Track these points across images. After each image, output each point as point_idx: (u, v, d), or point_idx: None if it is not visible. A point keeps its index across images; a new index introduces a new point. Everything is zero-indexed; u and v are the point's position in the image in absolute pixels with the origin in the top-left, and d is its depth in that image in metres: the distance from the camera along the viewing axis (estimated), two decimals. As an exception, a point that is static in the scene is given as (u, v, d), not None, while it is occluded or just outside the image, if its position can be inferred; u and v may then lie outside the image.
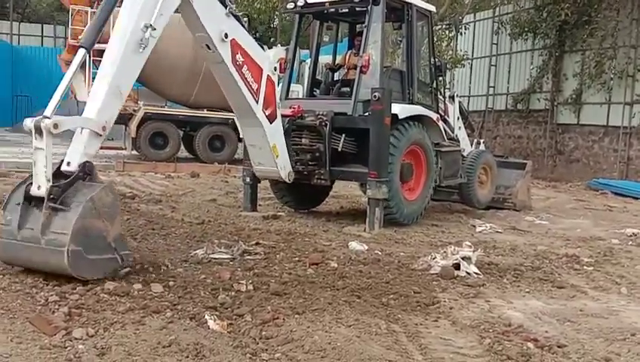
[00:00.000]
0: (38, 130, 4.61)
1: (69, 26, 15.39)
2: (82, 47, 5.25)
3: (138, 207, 8.67)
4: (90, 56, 14.87)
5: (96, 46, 5.51)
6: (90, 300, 4.18)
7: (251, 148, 7.91)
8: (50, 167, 4.63)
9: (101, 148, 20.11)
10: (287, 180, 8.04)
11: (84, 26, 14.71)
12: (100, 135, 4.99)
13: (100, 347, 3.43)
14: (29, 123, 4.63)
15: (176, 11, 5.82)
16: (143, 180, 12.72)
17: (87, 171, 4.77)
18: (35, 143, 4.66)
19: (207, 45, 6.39)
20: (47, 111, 4.73)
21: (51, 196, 4.49)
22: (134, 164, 14.68)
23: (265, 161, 7.86)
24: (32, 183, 4.63)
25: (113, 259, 4.69)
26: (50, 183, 4.55)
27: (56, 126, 4.63)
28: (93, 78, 14.66)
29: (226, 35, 6.41)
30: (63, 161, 4.85)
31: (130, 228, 6.90)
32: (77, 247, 4.42)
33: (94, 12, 14.88)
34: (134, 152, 16.08)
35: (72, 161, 4.81)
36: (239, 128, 7.36)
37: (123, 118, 15.67)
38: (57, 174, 4.71)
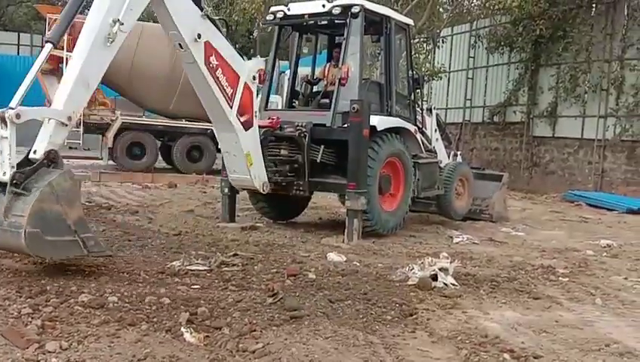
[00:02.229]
0: (2, 120, 4.87)
1: (46, 35, 15.22)
2: (49, 41, 5.42)
3: (114, 217, 8.58)
4: (64, 61, 14.76)
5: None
6: (64, 312, 4.12)
7: (226, 155, 7.95)
8: (14, 154, 4.89)
9: (77, 158, 19.81)
10: (261, 190, 8.02)
11: (61, 35, 14.51)
12: (66, 125, 5.20)
13: (73, 360, 3.37)
14: None
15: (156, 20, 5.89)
16: (120, 191, 12.59)
17: (51, 159, 5.02)
18: (0, 132, 4.91)
19: (179, 44, 6.55)
20: (13, 103, 4.98)
21: (14, 181, 4.72)
22: (111, 175, 14.53)
23: (239, 169, 7.88)
24: None
25: (74, 241, 4.89)
26: (14, 170, 4.78)
27: (18, 116, 4.87)
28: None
29: (199, 36, 6.55)
30: (30, 150, 5.07)
31: (107, 239, 6.82)
32: (34, 229, 4.62)
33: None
34: (111, 162, 15.91)
35: (38, 150, 5.04)
36: (217, 137, 7.50)
37: (100, 128, 15.54)
38: (24, 163, 4.95)
